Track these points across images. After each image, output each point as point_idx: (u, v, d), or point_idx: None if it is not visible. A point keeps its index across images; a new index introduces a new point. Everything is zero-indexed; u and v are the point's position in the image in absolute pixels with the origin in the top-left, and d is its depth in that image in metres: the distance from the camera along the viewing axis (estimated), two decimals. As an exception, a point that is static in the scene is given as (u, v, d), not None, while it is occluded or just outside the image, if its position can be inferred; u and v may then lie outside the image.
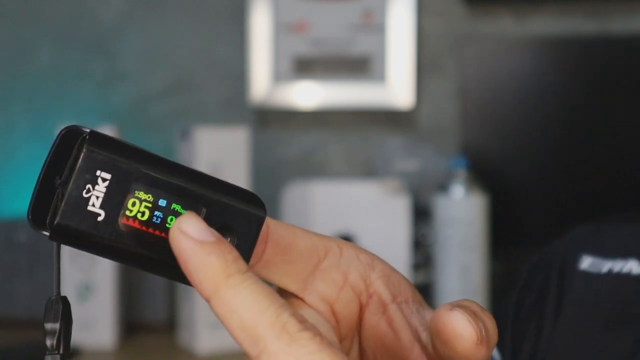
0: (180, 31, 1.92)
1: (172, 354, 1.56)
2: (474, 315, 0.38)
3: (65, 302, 0.36)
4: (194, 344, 1.53)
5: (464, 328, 0.37)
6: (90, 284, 1.56)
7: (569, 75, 1.80)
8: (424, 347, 0.41)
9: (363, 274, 0.41)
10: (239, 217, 0.37)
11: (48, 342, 0.36)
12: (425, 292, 1.68)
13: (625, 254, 0.63)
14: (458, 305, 0.38)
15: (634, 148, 1.77)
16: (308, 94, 1.89)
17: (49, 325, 0.36)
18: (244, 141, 1.59)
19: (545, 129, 1.81)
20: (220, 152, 1.57)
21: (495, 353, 0.64)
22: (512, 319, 0.66)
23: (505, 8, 1.87)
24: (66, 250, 1.55)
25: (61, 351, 0.35)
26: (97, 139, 0.35)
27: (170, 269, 0.36)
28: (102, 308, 1.56)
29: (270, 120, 1.92)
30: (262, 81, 1.88)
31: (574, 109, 1.80)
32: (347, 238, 1.63)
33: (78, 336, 1.54)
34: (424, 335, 0.41)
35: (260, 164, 1.83)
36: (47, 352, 0.36)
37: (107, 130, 1.59)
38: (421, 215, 1.75)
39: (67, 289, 1.55)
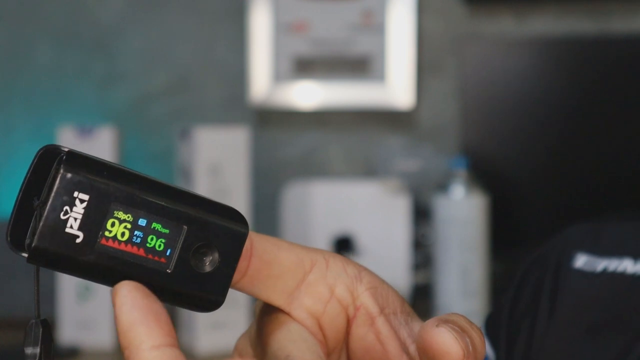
0: (180, 31, 1.92)
1: (172, 354, 1.56)
2: (460, 330, 0.37)
3: (45, 325, 0.36)
4: (194, 344, 1.54)
5: (450, 345, 0.37)
6: (90, 284, 1.56)
7: (569, 75, 1.80)
8: (412, 359, 0.41)
9: (350, 286, 0.41)
10: (221, 234, 0.36)
11: None
12: (425, 292, 1.68)
13: (620, 253, 0.63)
14: (445, 321, 0.38)
15: (633, 148, 1.77)
16: (308, 94, 1.88)
17: (29, 350, 0.35)
18: (244, 141, 1.59)
19: (545, 129, 1.80)
20: (220, 152, 1.57)
21: (490, 350, 0.64)
22: (507, 316, 0.65)
23: (505, 8, 1.86)
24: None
25: None
26: (75, 159, 0.34)
27: (152, 289, 0.35)
28: (102, 308, 1.56)
29: (270, 120, 1.92)
30: (262, 81, 1.88)
31: (574, 109, 1.80)
32: (347, 238, 1.63)
33: (78, 336, 1.54)
34: (412, 348, 0.41)
35: (260, 164, 1.83)
36: None
37: (107, 130, 1.59)
38: (421, 215, 1.75)
39: (67, 289, 1.55)
